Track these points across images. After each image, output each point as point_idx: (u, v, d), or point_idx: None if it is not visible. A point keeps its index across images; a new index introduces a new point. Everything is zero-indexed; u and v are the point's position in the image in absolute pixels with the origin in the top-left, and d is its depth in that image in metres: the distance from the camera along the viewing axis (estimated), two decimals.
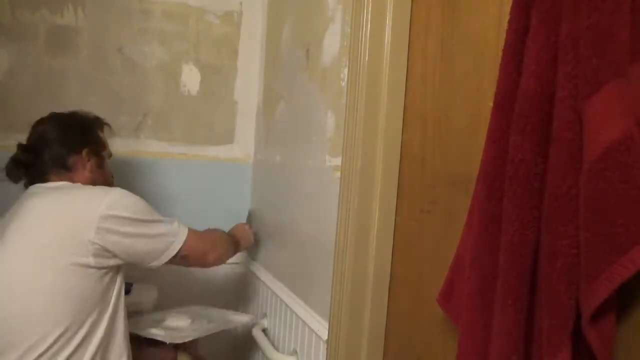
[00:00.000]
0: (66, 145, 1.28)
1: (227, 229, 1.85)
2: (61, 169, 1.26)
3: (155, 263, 1.25)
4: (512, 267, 0.62)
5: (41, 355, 1.08)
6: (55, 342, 1.09)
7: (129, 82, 1.72)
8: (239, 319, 1.62)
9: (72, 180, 1.27)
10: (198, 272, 1.74)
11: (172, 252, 1.26)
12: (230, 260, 1.85)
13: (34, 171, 1.26)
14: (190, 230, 1.31)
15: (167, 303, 1.66)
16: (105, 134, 1.39)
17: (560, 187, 0.58)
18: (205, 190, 1.84)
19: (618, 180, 0.53)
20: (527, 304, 0.62)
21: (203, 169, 1.84)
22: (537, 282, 0.62)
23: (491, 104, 0.68)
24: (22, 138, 1.28)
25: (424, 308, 0.97)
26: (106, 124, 1.40)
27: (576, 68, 0.56)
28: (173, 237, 1.26)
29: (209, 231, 1.50)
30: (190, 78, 1.80)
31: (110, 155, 1.41)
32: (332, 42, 1.23)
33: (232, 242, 1.54)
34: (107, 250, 1.14)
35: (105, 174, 1.36)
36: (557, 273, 0.58)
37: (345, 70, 1.12)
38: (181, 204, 1.81)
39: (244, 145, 1.89)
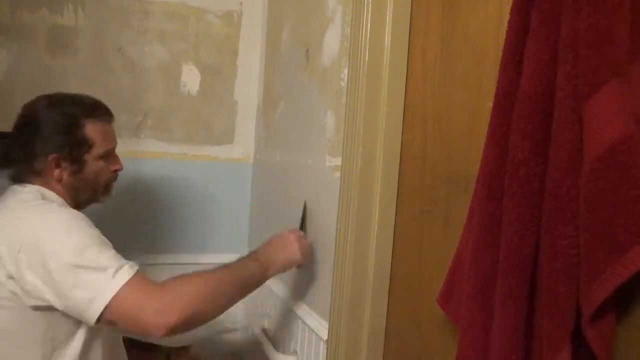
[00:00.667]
0: (30, 147, 1.11)
1: (227, 228, 1.85)
2: (30, 171, 1.11)
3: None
4: (512, 267, 0.62)
5: None
6: None
7: (128, 82, 1.72)
8: (235, 324, 1.58)
9: (46, 185, 1.11)
10: (196, 270, 1.73)
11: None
12: (230, 260, 1.87)
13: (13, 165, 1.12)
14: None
15: None
16: (100, 124, 1.17)
17: (560, 187, 0.58)
18: (205, 190, 1.84)
19: (618, 180, 0.53)
20: (527, 304, 0.62)
21: (203, 169, 1.84)
22: (537, 282, 0.62)
23: (491, 104, 0.68)
24: None
25: (424, 308, 0.97)
26: (101, 109, 1.18)
27: (576, 68, 0.56)
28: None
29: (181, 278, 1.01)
30: (190, 78, 1.80)
31: (111, 147, 1.20)
32: (332, 42, 1.23)
33: (233, 274, 1.08)
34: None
35: (86, 179, 1.15)
36: (557, 273, 0.58)
37: (345, 70, 1.12)
38: (181, 205, 1.81)
39: (244, 145, 1.89)
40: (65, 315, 0.99)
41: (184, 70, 1.79)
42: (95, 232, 1.03)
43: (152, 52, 1.75)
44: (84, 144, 1.14)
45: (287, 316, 1.41)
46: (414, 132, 1.03)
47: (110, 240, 1.05)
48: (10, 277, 0.97)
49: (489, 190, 0.67)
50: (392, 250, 1.08)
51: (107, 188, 1.23)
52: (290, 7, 1.56)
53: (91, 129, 1.15)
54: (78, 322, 1.03)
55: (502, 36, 0.67)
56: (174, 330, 0.93)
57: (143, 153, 1.76)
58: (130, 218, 1.72)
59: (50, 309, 0.98)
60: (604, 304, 0.55)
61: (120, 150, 1.26)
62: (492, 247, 0.66)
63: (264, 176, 1.75)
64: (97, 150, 1.16)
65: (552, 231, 0.59)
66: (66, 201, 1.13)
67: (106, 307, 0.93)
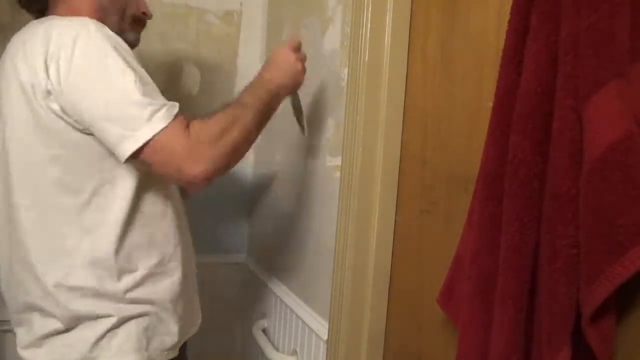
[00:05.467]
0: None
1: (227, 228, 1.85)
2: None
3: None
4: (512, 267, 0.62)
5: None
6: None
7: None
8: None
9: (72, 12, 0.95)
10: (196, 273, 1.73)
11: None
12: (230, 260, 1.87)
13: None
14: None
15: None
16: None
17: (560, 187, 0.58)
18: (204, 190, 1.84)
19: (618, 180, 0.53)
20: (527, 304, 0.62)
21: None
22: (537, 282, 0.62)
23: (491, 104, 0.68)
24: None
25: (424, 308, 0.97)
26: None
27: (576, 68, 0.56)
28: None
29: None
30: (190, 78, 1.80)
31: None
32: (332, 42, 1.23)
33: (249, 108, 0.98)
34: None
35: (116, 4, 1.02)
36: (557, 273, 0.58)
37: (345, 70, 1.12)
38: None
39: None
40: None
41: (184, 70, 1.79)
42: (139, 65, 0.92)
43: (152, 52, 1.75)
44: None
45: (287, 316, 1.41)
46: (414, 132, 1.03)
47: None
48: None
49: (489, 190, 0.67)
50: (392, 250, 1.08)
51: (134, 22, 1.10)
52: (290, 7, 1.56)
53: None
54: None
55: (502, 36, 0.67)
56: (209, 178, 0.89)
57: None
58: None
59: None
60: (604, 304, 0.55)
61: None
62: (492, 247, 0.66)
63: (264, 176, 1.75)
64: None
65: (552, 231, 0.59)
66: None
67: (139, 149, 0.84)
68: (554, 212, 0.58)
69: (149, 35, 1.74)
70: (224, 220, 1.85)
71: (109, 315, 0.92)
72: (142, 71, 0.89)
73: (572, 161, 0.57)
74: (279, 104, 1.07)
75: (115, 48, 0.87)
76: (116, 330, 0.93)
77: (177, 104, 0.89)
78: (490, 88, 0.70)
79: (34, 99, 0.87)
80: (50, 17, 0.94)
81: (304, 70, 1.13)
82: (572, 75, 0.57)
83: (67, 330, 0.92)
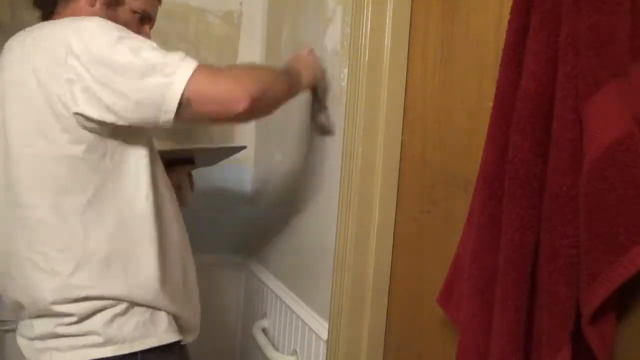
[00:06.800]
0: None
1: (227, 228, 1.85)
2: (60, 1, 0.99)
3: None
4: (512, 267, 0.62)
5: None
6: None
7: None
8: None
9: (76, 14, 0.97)
10: (196, 270, 1.73)
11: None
12: (231, 260, 1.87)
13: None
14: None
15: None
16: None
17: (560, 187, 0.58)
18: (204, 190, 1.84)
19: (618, 180, 0.53)
20: (527, 304, 0.62)
21: (202, 169, 1.84)
22: (537, 282, 0.62)
23: (491, 104, 0.68)
24: None
25: (424, 308, 0.97)
26: None
27: (576, 68, 0.56)
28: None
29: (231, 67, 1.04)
30: None
31: (149, 10, 1.08)
32: (332, 42, 1.23)
33: (281, 73, 1.04)
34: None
35: (115, 20, 0.97)
36: (557, 273, 0.58)
37: (345, 70, 1.12)
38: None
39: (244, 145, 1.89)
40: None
41: None
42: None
43: None
44: None
45: (287, 316, 1.41)
46: (414, 132, 1.03)
47: None
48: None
49: (489, 190, 0.67)
50: (392, 250, 1.08)
51: (140, 23, 1.09)
52: (290, 7, 1.56)
53: None
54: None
55: (502, 36, 0.67)
56: (255, 100, 0.89)
57: None
58: None
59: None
60: (604, 304, 0.55)
61: None
62: (492, 247, 0.66)
63: (264, 176, 1.75)
64: (135, 3, 1.06)
65: (552, 231, 0.59)
66: None
67: (183, 92, 0.85)
68: (554, 212, 0.59)
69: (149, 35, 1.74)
70: (224, 220, 1.85)
71: (117, 304, 0.92)
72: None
73: (572, 161, 0.57)
74: (299, 90, 1.11)
75: (125, 29, 0.90)
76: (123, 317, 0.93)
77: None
78: (490, 88, 0.70)
79: (50, 96, 0.86)
80: (62, 19, 0.94)
81: (319, 69, 1.19)
82: (572, 75, 0.57)
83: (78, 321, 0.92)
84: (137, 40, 0.89)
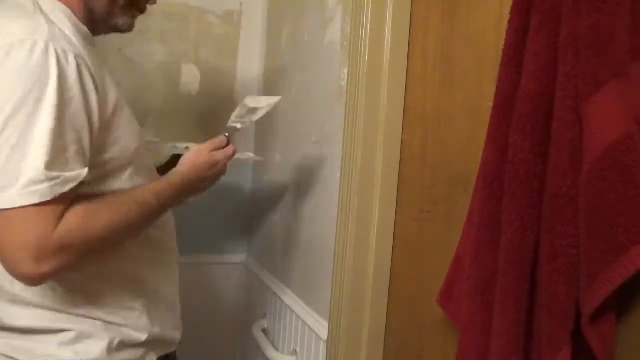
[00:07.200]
0: None
1: (227, 228, 1.85)
2: None
3: None
4: (512, 267, 0.62)
5: None
6: None
7: (129, 82, 1.72)
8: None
9: None
10: (196, 270, 1.73)
11: None
12: (231, 260, 1.87)
13: None
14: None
15: None
16: None
17: (560, 187, 0.58)
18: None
19: (618, 180, 0.53)
20: (527, 304, 0.62)
21: None
22: (537, 282, 0.62)
23: (491, 104, 0.68)
24: None
25: (424, 308, 0.97)
26: None
27: (576, 68, 0.56)
28: None
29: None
30: (190, 78, 1.80)
31: None
32: (332, 42, 1.23)
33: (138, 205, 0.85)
34: None
35: None
36: (557, 273, 0.58)
37: (345, 70, 1.12)
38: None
39: (244, 145, 1.89)
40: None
41: (184, 70, 1.79)
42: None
43: (152, 52, 1.75)
44: None
45: (287, 316, 1.41)
46: (414, 132, 1.03)
47: None
48: None
49: (489, 190, 0.67)
50: (392, 250, 1.08)
51: (129, 5, 0.99)
52: (290, 7, 1.56)
53: None
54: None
55: (502, 36, 0.67)
56: (41, 282, 0.74)
57: None
58: None
59: None
60: (604, 304, 0.55)
61: None
62: (492, 247, 0.66)
63: (264, 176, 1.75)
64: None
65: (552, 231, 0.59)
66: (76, 14, 0.86)
67: None
68: (554, 212, 0.59)
69: (149, 35, 1.74)
70: (224, 220, 1.85)
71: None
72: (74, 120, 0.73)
73: (572, 161, 0.57)
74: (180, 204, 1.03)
75: (58, 80, 0.71)
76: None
77: (76, 179, 0.73)
78: (490, 88, 0.70)
79: None
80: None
81: (223, 170, 1.09)
82: (572, 75, 0.57)
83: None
84: (19, 129, 0.69)
